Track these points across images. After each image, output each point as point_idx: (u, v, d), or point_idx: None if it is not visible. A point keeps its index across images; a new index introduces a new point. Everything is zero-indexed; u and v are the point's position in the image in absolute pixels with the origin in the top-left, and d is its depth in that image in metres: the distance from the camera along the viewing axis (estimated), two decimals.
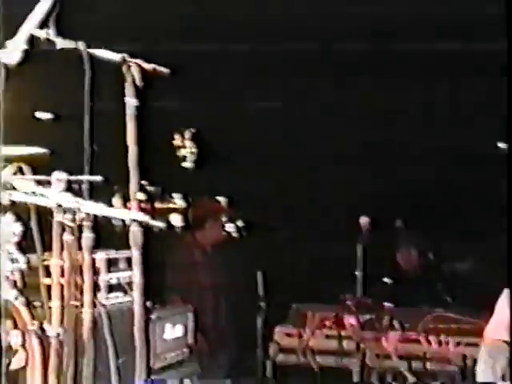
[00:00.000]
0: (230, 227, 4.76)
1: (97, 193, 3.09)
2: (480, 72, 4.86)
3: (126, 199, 3.12)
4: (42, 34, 2.90)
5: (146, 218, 3.02)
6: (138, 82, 3.04)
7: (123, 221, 3.04)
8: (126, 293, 3.72)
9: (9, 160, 3.03)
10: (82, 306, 3.15)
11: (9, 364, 3.02)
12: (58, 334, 3.08)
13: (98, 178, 3.07)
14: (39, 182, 3.06)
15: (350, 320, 5.06)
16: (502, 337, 3.38)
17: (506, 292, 3.45)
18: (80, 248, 3.13)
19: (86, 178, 3.05)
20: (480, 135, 5.29)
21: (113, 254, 3.77)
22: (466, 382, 4.82)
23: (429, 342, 4.95)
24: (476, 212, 5.74)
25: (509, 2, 3.32)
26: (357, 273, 5.22)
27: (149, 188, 3.32)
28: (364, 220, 5.46)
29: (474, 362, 4.74)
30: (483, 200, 5.67)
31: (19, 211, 3.03)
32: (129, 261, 3.44)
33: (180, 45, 4.70)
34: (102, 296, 3.60)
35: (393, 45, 4.79)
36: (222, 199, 4.93)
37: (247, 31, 4.76)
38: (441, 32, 4.58)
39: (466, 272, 6.09)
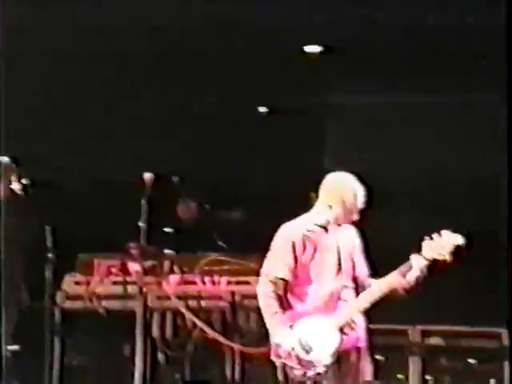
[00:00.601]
0: (16, 185, 4.94)
1: None
2: None
3: None
4: None
5: None
6: None
7: None
8: None
9: None
10: None
11: None
12: None
13: None
14: None
15: (134, 267, 5.55)
16: (277, 274, 3.28)
17: (280, 231, 3.35)
18: None
19: None
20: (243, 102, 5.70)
21: None
22: (236, 317, 5.52)
23: (204, 283, 5.59)
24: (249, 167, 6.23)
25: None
26: (141, 224, 5.68)
27: None
28: (147, 176, 5.94)
29: (242, 297, 5.50)
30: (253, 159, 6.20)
31: None
32: None
33: None
34: None
35: None
36: (6, 159, 5.09)
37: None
38: None
39: (237, 220, 6.77)
